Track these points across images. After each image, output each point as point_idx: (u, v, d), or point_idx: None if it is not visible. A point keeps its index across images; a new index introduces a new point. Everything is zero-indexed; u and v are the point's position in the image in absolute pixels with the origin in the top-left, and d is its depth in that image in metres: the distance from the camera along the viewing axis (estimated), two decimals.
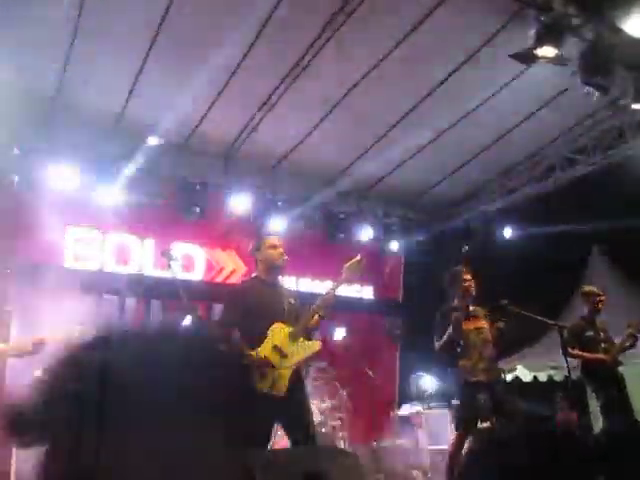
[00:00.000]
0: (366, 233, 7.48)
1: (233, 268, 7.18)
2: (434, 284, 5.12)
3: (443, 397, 6.34)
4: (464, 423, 4.21)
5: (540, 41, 4.46)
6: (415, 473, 6.02)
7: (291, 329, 3.41)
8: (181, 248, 6.65)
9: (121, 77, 5.49)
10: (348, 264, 3.55)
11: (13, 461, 4.43)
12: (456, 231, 7.92)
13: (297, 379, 3.42)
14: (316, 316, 3.46)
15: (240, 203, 6.70)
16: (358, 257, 3.55)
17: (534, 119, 6.34)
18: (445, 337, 4.25)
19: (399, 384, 7.57)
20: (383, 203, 7.72)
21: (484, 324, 4.39)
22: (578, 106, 6.15)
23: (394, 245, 7.82)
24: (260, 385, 3.26)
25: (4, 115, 5.14)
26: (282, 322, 3.43)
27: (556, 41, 4.46)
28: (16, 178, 5.59)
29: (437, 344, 4.33)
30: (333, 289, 3.50)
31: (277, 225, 6.96)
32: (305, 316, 3.44)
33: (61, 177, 5.83)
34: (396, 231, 7.76)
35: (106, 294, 6.34)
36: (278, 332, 3.40)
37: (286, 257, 3.56)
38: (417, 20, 5.01)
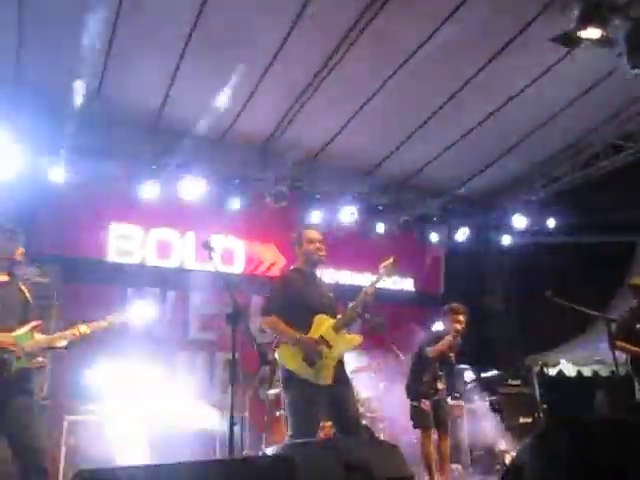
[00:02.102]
0: (404, 225, 7.42)
1: (273, 261, 7.25)
2: (476, 275, 5.06)
3: (482, 390, 6.26)
4: None
5: (584, 22, 4.32)
6: (454, 467, 5.94)
7: (334, 321, 3.46)
8: (221, 241, 6.74)
9: (158, 76, 5.59)
10: (384, 264, 3.59)
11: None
12: (497, 221, 7.77)
13: (342, 370, 3.46)
14: (358, 311, 3.50)
15: (278, 196, 6.74)
16: (392, 259, 3.60)
17: (577, 105, 6.15)
18: None
19: None
20: (422, 194, 7.63)
21: None
22: (624, 90, 5.92)
23: (433, 237, 7.73)
24: (306, 373, 3.31)
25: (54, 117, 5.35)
26: (325, 314, 3.47)
27: (601, 22, 4.31)
28: (63, 176, 5.76)
29: None
30: (371, 287, 3.52)
31: (314, 218, 6.99)
32: (347, 310, 3.49)
33: (105, 175, 5.97)
34: (435, 222, 7.67)
35: (148, 287, 6.51)
36: (322, 322, 3.45)
37: (323, 252, 3.60)
38: (452, 8, 4.92)
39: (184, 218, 6.68)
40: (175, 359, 6.51)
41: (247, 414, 5.51)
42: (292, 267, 3.74)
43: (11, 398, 2.99)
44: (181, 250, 6.75)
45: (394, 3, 4.82)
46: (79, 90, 5.12)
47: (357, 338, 3.56)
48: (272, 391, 5.63)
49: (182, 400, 5.61)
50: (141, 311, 3.55)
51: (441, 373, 4.82)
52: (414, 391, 4.76)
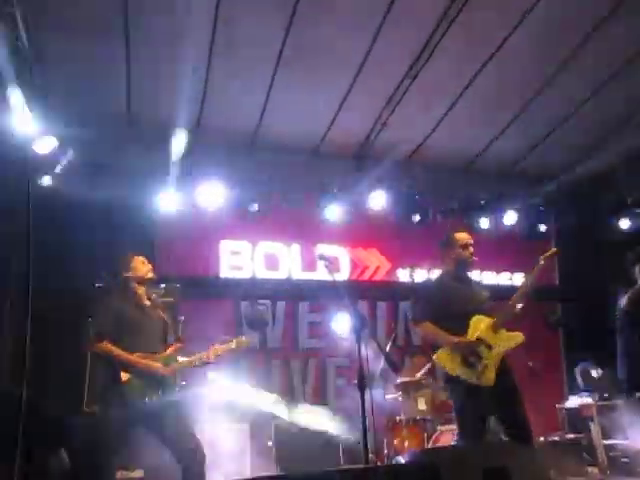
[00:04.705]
0: (510, 218, 7.13)
1: (377, 265, 7.26)
2: (594, 264, 4.75)
3: (616, 387, 5.84)
4: None
5: None
6: (590, 470, 5.61)
7: (492, 320, 3.43)
8: (325, 250, 6.85)
9: (253, 96, 5.78)
10: (544, 255, 3.59)
11: None
12: (611, 206, 7.26)
13: (505, 370, 3.43)
14: (518, 307, 3.45)
15: (378, 200, 6.74)
16: (554, 249, 3.65)
17: None
18: None
19: (565, 374, 7.13)
20: (526, 184, 7.29)
21: None
22: None
23: (543, 227, 7.35)
24: (469, 376, 3.31)
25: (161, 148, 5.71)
26: (482, 314, 3.45)
27: None
28: (174, 202, 6.12)
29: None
30: (531, 278, 3.54)
31: (416, 218, 6.93)
32: (505, 307, 3.47)
33: (210, 197, 6.27)
34: (544, 212, 7.31)
35: (259, 299, 6.74)
36: (479, 323, 3.44)
37: (475, 257, 3.67)
38: None
39: (288, 230, 6.85)
40: (289, 366, 6.68)
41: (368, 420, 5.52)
42: (442, 271, 3.76)
43: (166, 412, 3.25)
44: (288, 261, 6.92)
45: None
46: (182, 121, 5.43)
47: (519, 335, 3.49)
48: (389, 396, 5.62)
49: (300, 408, 5.74)
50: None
51: None
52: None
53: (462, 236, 3.70)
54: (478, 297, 3.60)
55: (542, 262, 3.59)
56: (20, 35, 4.12)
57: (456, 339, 3.37)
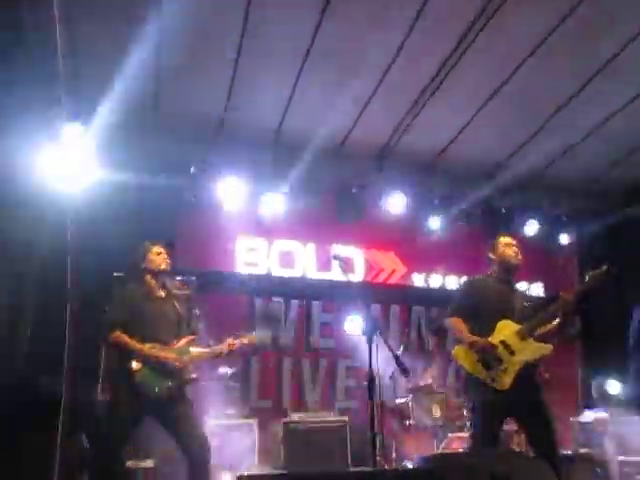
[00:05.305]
0: (532, 227, 7.04)
1: (393, 269, 7.22)
2: (614, 279, 4.66)
3: (632, 402, 5.73)
4: None
5: None
6: None
7: (520, 327, 3.43)
8: (341, 250, 6.84)
9: (278, 93, 5.78)
10: (593, 273, 3.42)
11: None
12: (636, 220, 7.12)
13: (530, 382, 3.42)
14: (555, 321, 3.42)
15: (397, 203, 6.70)
16: (605, 267, 3.39)
17: None
18: None
19: (581, 388, 7.02)
20: (550, 193, 7.18)
21: None
22: None
23: (564, 238, 7.28)
24: (483, 376, 3.34)
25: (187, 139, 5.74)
26: (512, 320, 3.46)
27: None
28: (195, 195, 6.16)
29: None
30: (571, 295, 3.41)
31: (435, 224, 6.88)
32: (538, 317, 3.44)
33: (230, 191, 6.30)
34: (566, 223, 7.21)
35: (274, 297, 6.75)
36: (505, 328, 3.44)
37: (521, 257, 3.66)
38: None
39: (304, 229, 6.85)
40: (300, 365, 6.68)
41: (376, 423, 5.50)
42: (484, 274, 3.79)
43: (175, 403, 3.26)
44: (303, 260, 6.92)
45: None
46: (209, 113, 5.44)
47: (547, 347, 3.45)
48: (400, 400, 5.58)
49: (309, 407, 5.72)
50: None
51: None
52: None
53: (507, 239, 3.78)
54: (514, 303, 3.59)
55: (588, 280, 3.43)
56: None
57: (473, 338, 3.40)
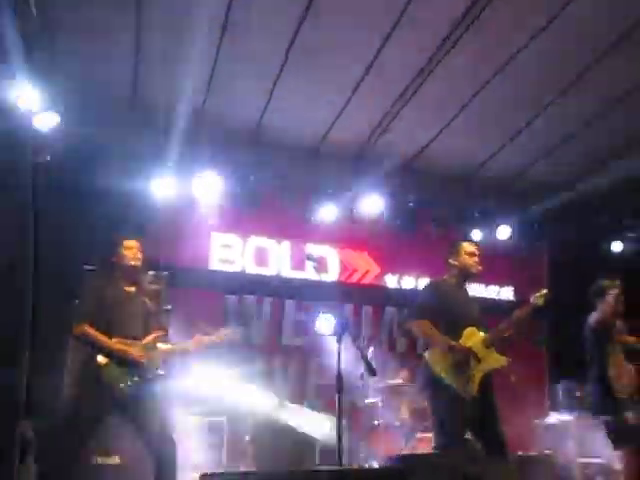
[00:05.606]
0: (504, 232, 7.15)
1: (367, 269, 7.26)
2: (583, 284, 4.77)
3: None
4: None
5: None
6: None
7: (485, 336, 3.48)
8: (315, 250, 6.85)
9: (257, 91, 5.75)
10: (538, 295, 3.63)
11: None
12: (606, 228, 7.30)
13: (488, 386, 3.48)
14: (508, 331, 3.54)
15: (372, 204, 6.74)
16: (545, 291, 3.64)
17: None
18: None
19: (548, 392, 7.14)
20: (523, 200, 7.30)
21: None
22: None
23: (536, 243, 7.41)
24: (454, 383, 3.35)
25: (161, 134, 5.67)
26: (473, 326, 3.51)
27: None
28: (170, 190, 6.09)
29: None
30: (523, 313, 3.59)
31: (409, 226, 6.94)
32: (501, 328, 3.54)
33: (206, 187, 6.25)
34: (538, 228, 7.33)
35: (247, 294, 6.73)
36: (473, 335, 3.49)
37: (480, 267, 3.70)
38: (557, 10, 4.67)
39: (280, 227, 6.84)
40: (271, 363, 6.68)
41: (345, 422, 5.53)
42: (443, 277, 3.79)
43: (141, 399, 3.23)
44: (277, 258, 6.91)
45: (494, 5, 4.66)
46: (186, 106, 5.39)
47: (504, 359, 3.55)
48: (369, 400, 5.61)
49: (280, 404, 5.72)
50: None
51: None
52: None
53: (470, 246, 3.77)
54: (473, 310, 3.67)
55: (533, 301, 3.64)
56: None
57: (453, 342, 3.41)
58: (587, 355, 4.31)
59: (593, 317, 4.29)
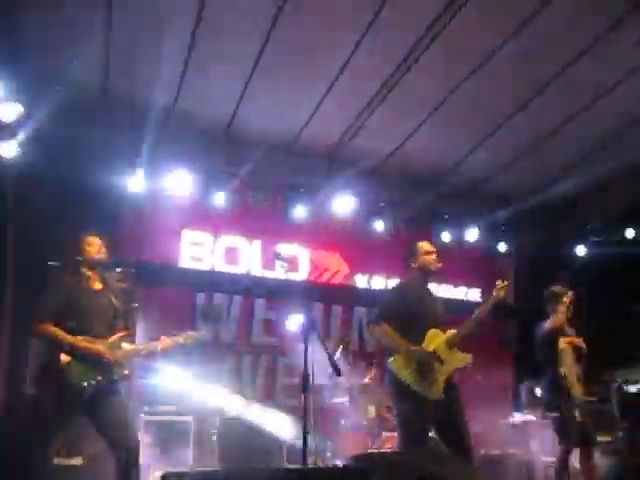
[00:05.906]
0: (472, 234, 7.27)
1: (337, 269, 7.29)
2: (548, 287, 4.91)
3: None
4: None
5: None
6: None
7: (448, 336, 3.50)
8: (286, 249, 6.85)
9: (230, 86, 5.72)
10: (499, 286, 3.68)
11: None
12: (570, 231, 7.47)
13: (452, 385, 3.50)
14: (471, 329, 3.57)
15: (344, 205, 6.77)
16: (506, 282, 3.71)
17: None
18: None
19: (514, 392, 7.27)
20: (492, 203, 7.43)
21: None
22: None
23: (503, 246, 7.55)
24: (418, 386, 3.36)
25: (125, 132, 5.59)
26: (436, 328, 3.52)
27: None
28: (140, 186, 6.01)
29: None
30: (485, 308, 3.61)
31: (380, 227, 6.99)
32: (463, 327, 3.56)
33: (176, 184, 6.19)
34: (505, 231, 7.48)
35: (216, 292, 6.68)
36: (435, 337, 3.50)
37: (440, 264, 3.70)
38: (527, 17, 4.77)
39: (251, 226, 6.82)
40: (240, 362, 6.65)
41: (313, 422, 5.54)
42: (405, 279, 3.81)
43: (104, 398, 3.18)
44: (248, 257, 6.88)
45: (467, 11, 4.72)
46: (158, 103, 5.33)
47: (469, 357, 3.58)
48: (337, 399, 5.64)
49: (247, 403, 5.71)
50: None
51: None
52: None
53: (427, 245, 3.77)
54: (436, 311, 3.67)
55: (495, 293, 3.69)
56: None
57: (413, 347, 3.41)
58: (540, 357, 4.55)
59: (547, 324, 4.53)
